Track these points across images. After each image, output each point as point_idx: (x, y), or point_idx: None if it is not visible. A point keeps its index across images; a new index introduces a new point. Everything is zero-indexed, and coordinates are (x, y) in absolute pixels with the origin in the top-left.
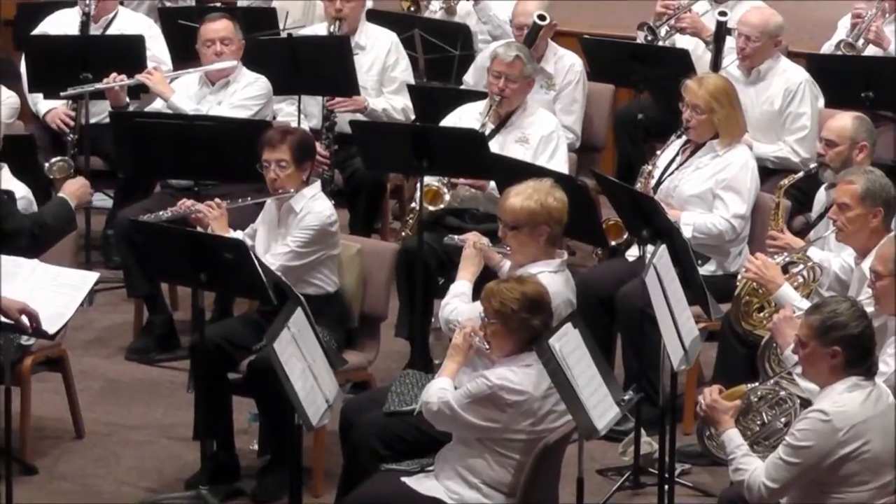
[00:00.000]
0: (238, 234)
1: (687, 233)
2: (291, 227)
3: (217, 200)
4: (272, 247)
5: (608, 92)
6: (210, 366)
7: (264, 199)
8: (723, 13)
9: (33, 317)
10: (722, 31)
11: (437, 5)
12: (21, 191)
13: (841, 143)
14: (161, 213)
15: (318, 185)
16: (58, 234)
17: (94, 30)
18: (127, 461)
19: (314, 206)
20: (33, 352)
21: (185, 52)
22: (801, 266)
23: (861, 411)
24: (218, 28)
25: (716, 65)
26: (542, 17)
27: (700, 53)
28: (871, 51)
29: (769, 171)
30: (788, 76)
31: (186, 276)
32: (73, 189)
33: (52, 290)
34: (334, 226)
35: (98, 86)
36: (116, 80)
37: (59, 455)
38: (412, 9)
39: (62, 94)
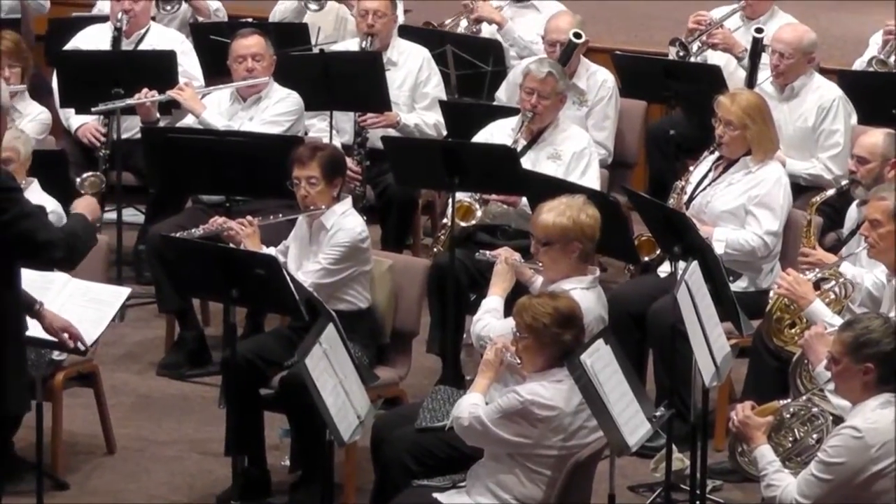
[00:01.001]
0: (270, 251)
1: (719, 249)
2: (323, 245)
3: (249, 218)
4: (304, 264)
5: (640, 108)
6: (241, 381)
7: (295, 216)
8: (759, 30)
9: (76, 336)
10: (758, 47)
11: (463, 24)
12: (51, 205)
13: (872, 160)
14: (193, 230)
15: (348, 201)
16: (87, 246)
17: (126, 45)
18: (158, 476)
19: (345, 222)
20: (65, 367)
21: (216, 68)
22: (833, 282)
23: (893, 428)
24: (249, 44)
25: (751, 81)
26: (577, 35)
27: (732, 70)
28: None
29: (801, 188)
30: (822, 93)
31: (218, 291)
32: (84, 206)
33: (83, 306)
34: (366, 242)
35: (129, 101)
36: (147, 96)
37: (90, 471)
38: None
39: (93, 109)
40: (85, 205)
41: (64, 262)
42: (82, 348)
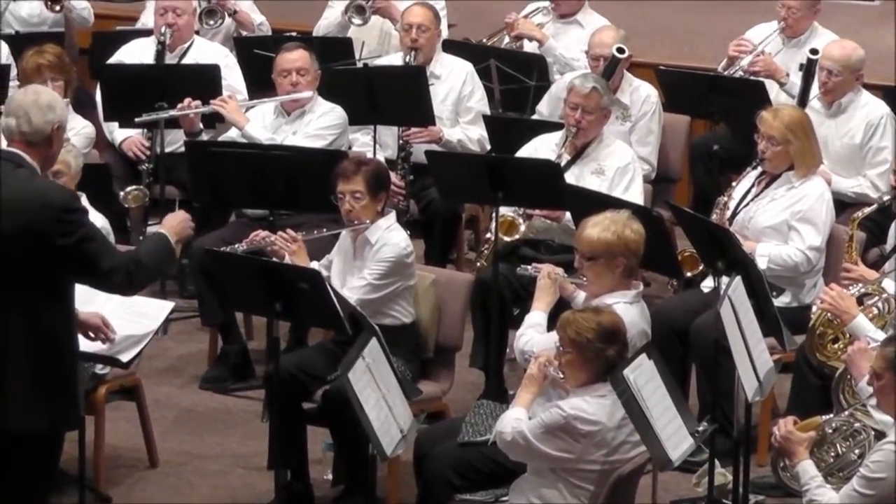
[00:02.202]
0: (313, 265)
1: (762, 264)
2: (367, 259)
3: (292, 233)
4: (348, 279)
5: (684, 123)
6: (285, 395)
7: (339, 231)
8: (814, 51)
9: (103, 329)
10: (812, 67)
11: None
12: (99, 221)
13: None
14: (237, 246)
15: (393, 215)
16: (154, 273)
17: (170, 59)
18: (201, 490)
19: (390, 237)
20: (107, 381)
21: (260, 82)
22: (876, 297)
23: None
24: (294, 58)
25: (803, 100)
26: (620, 50)
27: (773, 95)
28: None
29: (844, 204)
30: (870, 110)
31: (261, 305)
32: (172, 224)
33: (127, 319)
34: (410, 257)
35: (172, 112)
36: (191, 107)
37: (132, 484)
38: None
39: (137, 120)
40: (173, 224)
41: (121, 290)
42: (121, 359)
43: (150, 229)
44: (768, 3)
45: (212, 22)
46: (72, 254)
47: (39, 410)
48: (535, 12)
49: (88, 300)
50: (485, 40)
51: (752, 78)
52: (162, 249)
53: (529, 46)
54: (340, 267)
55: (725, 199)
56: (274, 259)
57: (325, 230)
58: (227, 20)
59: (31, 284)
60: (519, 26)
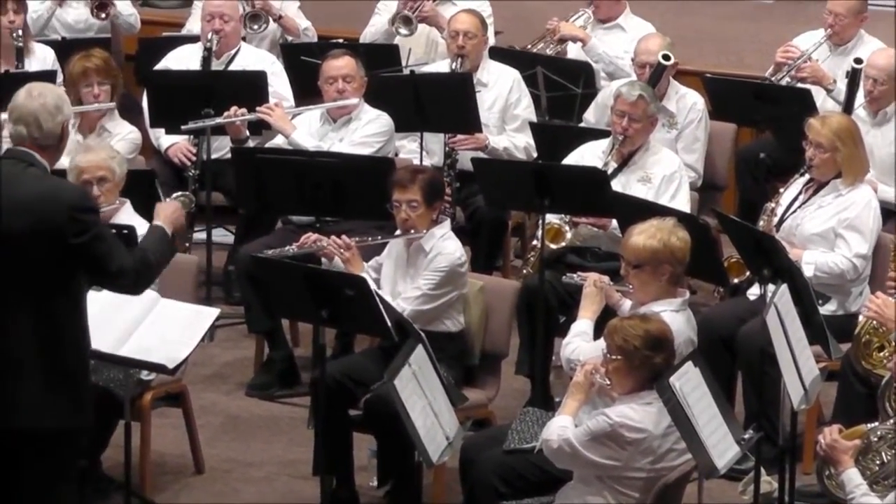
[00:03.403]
0: (364, 267)
1: (808, 272)
2: (421, 267)
3: (346, 240)
4: (399, 285)
5: (730, 131)
6: (331, 402)
7: (392, 238)
8: (858, 60)
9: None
10: (857, 76)
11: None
12: (143, 228)
13: None
14: (287, 248)
15: (447, 224)
16: (159, 268)
17: (217, 65)
18: (247, 497)
19: (444, 246)
20: (153, 387)
21: (306, 89)
22: None
23: None
24: (340, 65)
25: (847, 108)
26: (666, 57)
27: (820, 102)
28: None
29: (889, 212)
30: None
31: (308, 312)
32: (167, 214)
33: (172, 326)
34: (464, 266)
35: (219, 120)
36: (237, 114)
37: (178, 490)
38: None
39: (183, 128)
40: (168, 214)
41: (128, 291)
42: (166, 366)
43: (196, 236)
44: (815, 11)
45: (255, 27)
46: (83, 252)
47: (51, 408)
48: (576, 16)
49: (127, 301)
50: (529, 46)
51: (798, 86)
52: (165, 245)
53: (573, 49)
54: (391, 272)
55: (772, 206)
56: (323, 261)
57: (378, 237)
58: (273, 26)
59: (43, 283)
60: (561, 29)
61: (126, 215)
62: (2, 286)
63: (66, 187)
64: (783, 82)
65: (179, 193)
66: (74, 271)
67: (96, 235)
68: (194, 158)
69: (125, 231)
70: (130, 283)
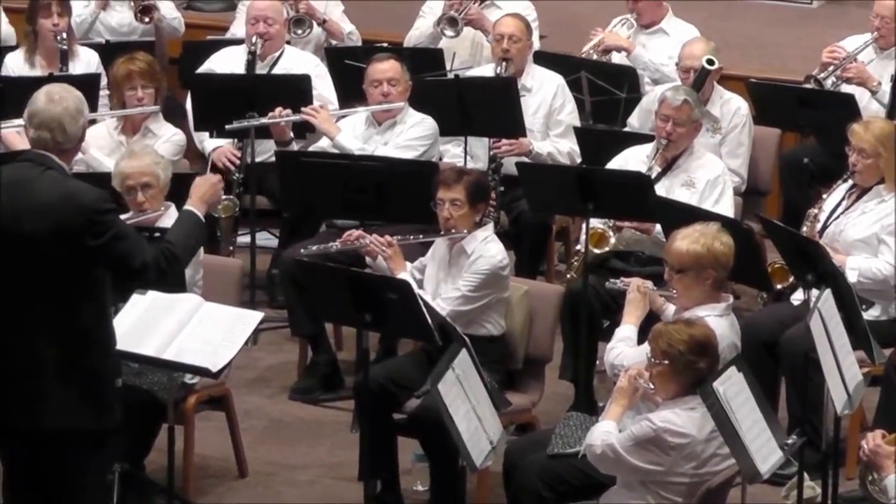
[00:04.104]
0: (406, 265)
1: (852, 277)
2: (462, 269)
3: (388, 238)
4: (441, 287)
5: (774, 136)
6: (374, 406)
7: (435, 238)
8: None
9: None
10: None
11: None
12: None
13: None
14: (331, 244)
15: (491, 227)
16: (187, 261)
17: (261, 68)
18: (290, 500)
19: (487, 248)
20: (197, 390)
21: (351, 92)
22: None
23: None
24: (385, 69)
25: (891, 114)
26: (710, 62)
27: (865, 104)
28: None
29: None
30: None
31: (351, 316)
32: (200, 193)
33: (216, 329)
34: (506, 270)
35: (263, 120)
36: (282, 115)
37: (221, 494)
38: None
39: (227, 128)
40: (201, 193)
41: (154, 286)
42: (210, 369)
43: (241, 240)
44: (858, 15)
45: (300, 31)
46: (103, 253)
47: (77, 409)
48: (618, 25)
49: (171, 305)
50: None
51: (842, 90)
52: (193, 231)
53: (618, 58)
54: (434, 273)
55: (816, 211)
56: (367, 260)
57: (420, 236)
58: (317, 30)
59: (64, 284)
60: (605, 40)
61: (170, 220)
62: (24, 288)
63: (84, 190)
64: (828, 82)
65: (223, 197)
66: (97, 272)
67: (115, 235)
68: (238, 162)
69: (157, 235)
70: (155, 277)
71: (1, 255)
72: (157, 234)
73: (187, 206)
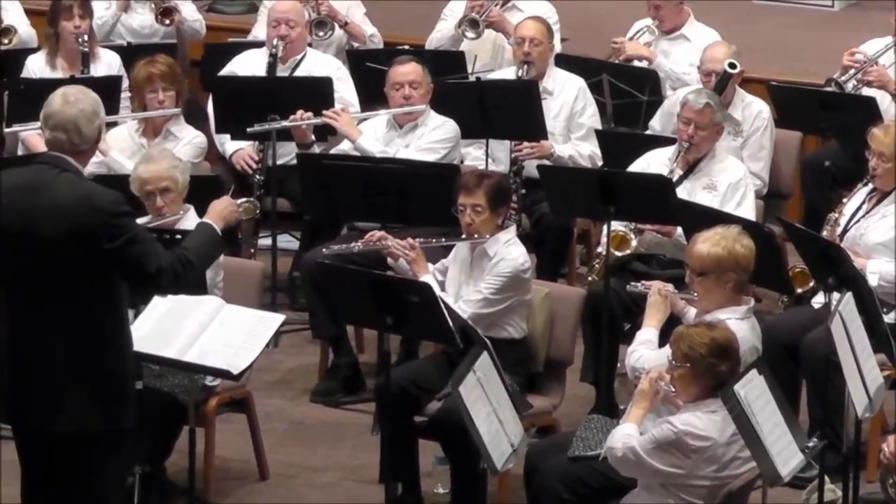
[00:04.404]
0: (429, 267)
1: (873, 281)
2: (484, 272)
3: (411, 241)
4: (463, 289)
5: (795, 139)
6: (396, 408)
7: (457, 242)
8: None
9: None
10: None
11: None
12: None
13: None
14: (353, 244)
15: (512, 229)
16: (202, 270)
17: (282, 71)
18: (311, 503)
19: (508, 251)
20: (218, 393)
21: (372, 95)
22: None
23: None
24: (407, 71)
25: None
26: (732, 65)
27: (885, 107)
28: None
29: None
30: None
31: (372, 318)
32: (217, 210)
33: (237, 332)
34: (528, 272)
35: (285, 123)
36: (303, 118)
37: (242, 496)
38: None
39: (249, 130)
40: (218, 210)
41: (168, 291)
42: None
43: (262, 242)
44: (880, 18)
45: (321, 34)
46: (119, 256)
47: (93, 410)
48: (640, 32)
49: (193, 308)
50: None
51: (863, 94)
52: (209, 242)
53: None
54: (456, 275)
55: (836, 215)
56: (389, 261)
57: (443, 240)
58: (339, 32)
59: (80, 286)
60: (627, 49)
61: (190, 222)
62: (40, 291)
63: (100, 192)
64: (849, 85)
65: (244, 199)
66: (112, 274)
67: (131, 238)
68: (255, 166)
69: (178, 237)
70: (170, 283)
71: (17, 258)
72: (177, 237)
73: (206, 220)
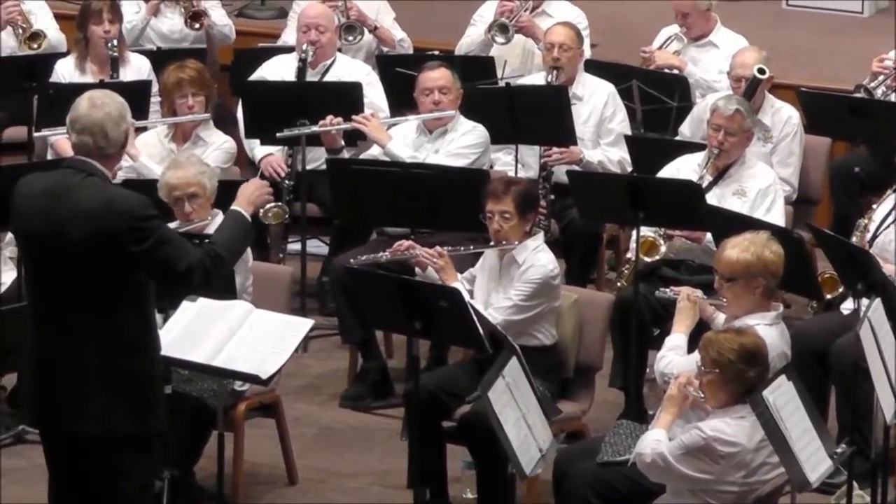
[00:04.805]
0: (457, 276)
1: None
2: (513, 279)
3: (439, 249)
4: (492, 297)
5: (825, 145)
6: (424, 413)
7: (485, 249)
8: None
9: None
10: None
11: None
12: None
13: None
14: (381, 254)
15: (540, 236)
16: (233, 262)
17: (312, 76)
18: None
19: (537, 258)
20: (247, 397)
21: (402, 100)
22: None
23: None
24: (437, 77)
25: None
26: (761, 71)
27: None
28: None
29: None
30: None
31: (401, 323)
32: (246, 194)
33: (266, 336)
34: (557, 279)
35: (314, 128)
36: (333, 123)
37: (271, 501)
38: None
39: (279, 135)
40: (247, 195)
41: (200, 288)
42: (260, 376)
43: (291, 247)
44: None
45: (350, 38)
46: (147, 259)
47: (121, 414)
48: (668, 41)
49: (223, 313)
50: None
51: (892, 101)
52: (238, 233)
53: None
54: (485, 283)
55: (866, 221)
56: (416, 270)
57: (471, 247)
58: (368, 37)
59: (107, 290)
60: (656, 58)
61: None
62: (67, 295)
63: (126, 196)
64: (878, 91)
65: (273, 204)
66: (140, 279)
67: (158, 240)
68: (283, 174)
69: (207, 241)
70: (201, 279)
71: (44, 262)
72: (197, 242)
73: (234, 207)
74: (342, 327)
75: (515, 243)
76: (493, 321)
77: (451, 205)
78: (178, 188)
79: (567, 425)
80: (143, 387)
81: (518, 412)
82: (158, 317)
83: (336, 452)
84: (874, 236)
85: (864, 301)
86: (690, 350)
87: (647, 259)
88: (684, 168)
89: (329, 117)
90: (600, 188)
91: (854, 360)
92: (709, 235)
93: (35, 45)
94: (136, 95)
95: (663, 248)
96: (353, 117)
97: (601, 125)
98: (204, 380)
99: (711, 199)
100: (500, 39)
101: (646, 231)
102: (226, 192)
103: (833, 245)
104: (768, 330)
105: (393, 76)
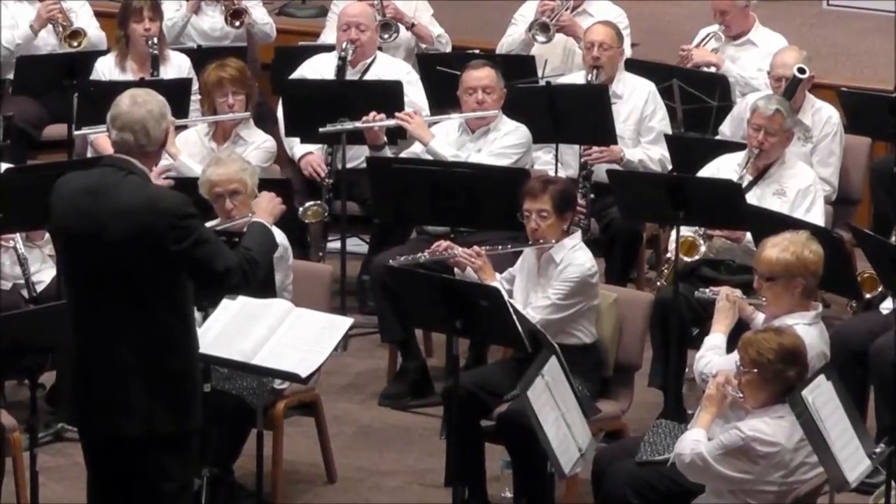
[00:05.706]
0: (496, 276)
1: None
2: (551, 278)
3: (477, 249)
4: (531, 296)
5: (865, 145)
6: (463, 413)
7: (523, 248)
8: None
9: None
10: None
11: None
12: (278, 236)
13: None
14: (420, 255)
15: (578, 235)
16: (265, 267)
17: (352, 74)
18: None
19: (575, 257)
20: (286, 396)
21: (442, 99)
22: None
23: None
24: (481, 76)
25: None
26: (801, 70)
27: None
28: None
29: None
30: None
31: (442, 322)
32: (264, 207)
33: (306, 335)
34: (595, 277)
35: (357, 124)
36: (376, 120)
37: (310, 499)
38: None
39: (321, 130)
40: (264, 206)
41: (237, 290)
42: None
43: (331, 245)
44: None
45: (386, 35)
46: (186, 258)
47: (159, 413)
48: (707, 39)
49: (262, 312)
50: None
51: None
52: (266, 240)
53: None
54: (523, 283)
55: None
56: (455, 270)
57: (509, 246)
58: (406, 35)
59: (148, 289)
60: (694, 56)
61: None
62: (106, 294)
63: (166, 195)
64: None
65: (311, 203)
66: (179, 276)
67: (197, 240)
68: (323, 173)
69: (236, 239)
70: (239, 280)
71: (83, 260)
72: (235, 240)
73: (256, 219)
74: (382, 326)
75: (553, 242)
76: (532, 320)
77: (492, 204)
78: (219, 184)
79: (606, 424)
80: (182, 386)
81: (557, 411)
82: (198, 315)
83: (375, 451)
84: None
85: None
86: (730, 350)
87: (687, 259)
88: (724, 167)
89: (372, 113)
90: (640, 187)
91: (893, 360)
92: (749, 235)
93: (75, 43)
94: (176, 94)
95: (703, 248)
96: (397, 114)
97: (641, 123)
98: (243, 378)
99: (751, 198)
100: (540, 38)
101: (686, 231)
102: (270, 190)
103: (873, 245)
104: (807, 330)
105: (434, 75)
